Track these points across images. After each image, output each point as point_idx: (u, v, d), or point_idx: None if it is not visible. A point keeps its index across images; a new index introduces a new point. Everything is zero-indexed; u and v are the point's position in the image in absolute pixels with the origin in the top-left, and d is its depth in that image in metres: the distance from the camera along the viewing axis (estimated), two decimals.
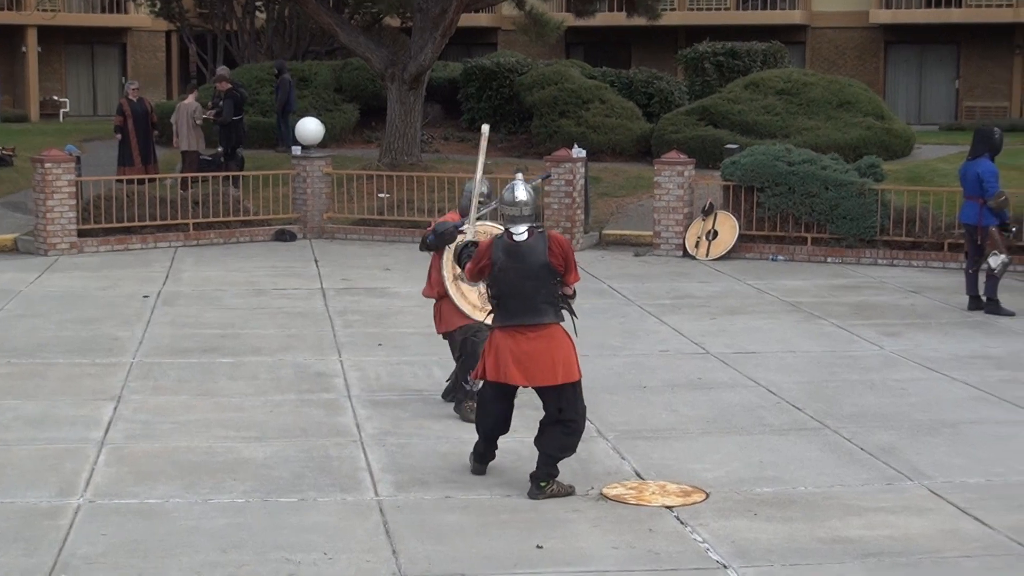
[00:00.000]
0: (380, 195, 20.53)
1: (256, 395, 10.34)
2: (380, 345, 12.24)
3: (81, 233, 18.18)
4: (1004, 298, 14.10)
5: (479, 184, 9.13)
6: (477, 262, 8.11)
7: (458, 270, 8.96)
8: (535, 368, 7.88)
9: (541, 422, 8.03)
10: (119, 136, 22.40)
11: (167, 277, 16.11)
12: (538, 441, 8.01)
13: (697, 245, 18.15)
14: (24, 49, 37.93)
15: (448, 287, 9.50)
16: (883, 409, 10.09)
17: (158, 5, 34.59)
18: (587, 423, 8.24)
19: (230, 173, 20.91)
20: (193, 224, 19.12)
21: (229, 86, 22.96)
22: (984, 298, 14.08)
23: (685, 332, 12.95)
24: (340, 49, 30.40)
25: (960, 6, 36.18)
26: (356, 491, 8.02)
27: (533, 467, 7.95)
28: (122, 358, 11.57)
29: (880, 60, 38.04)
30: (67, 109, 38.55)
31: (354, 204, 20.41)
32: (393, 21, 32.81)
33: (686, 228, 18.34)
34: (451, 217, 9.75)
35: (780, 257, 17.93)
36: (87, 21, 39.49)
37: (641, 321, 13.63)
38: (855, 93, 25.30)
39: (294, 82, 26.30)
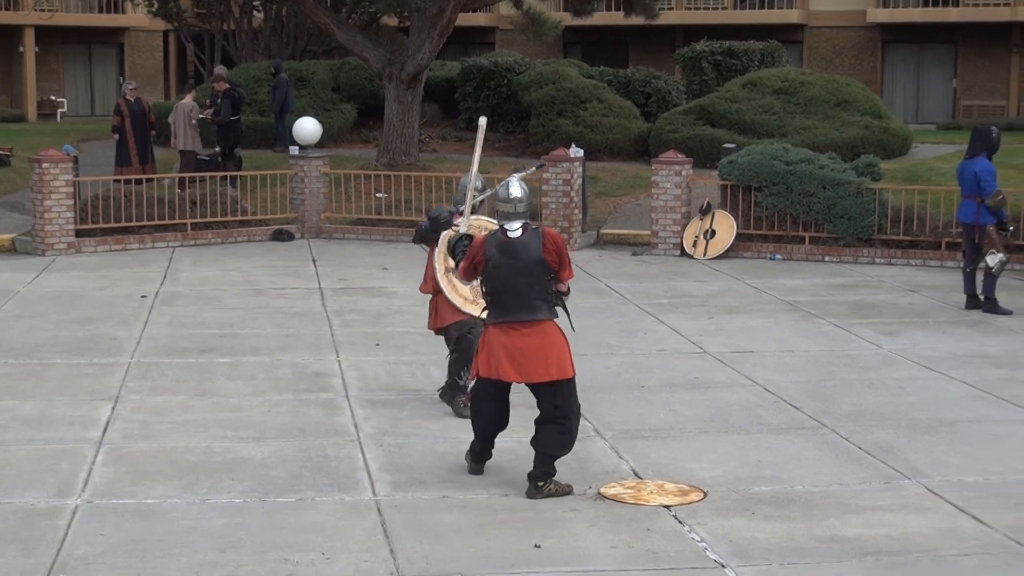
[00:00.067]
0: (378, 195, 20.52)
1: (254, 395, 10.33)
2: (378, 345, 12.23)
3: (79, 233, 18.16)
4: (1002, 297, 14.10)
5: (474, 177, 9.12)
6: (471, 258, 8.09)
7: (450, 262, 8.90)
8: (529, 364, 7.86)
9: (536, 421, 8.02)
10: (117, 136, 22.39)
11: (165, 277, 16.10)
12: (534, 440, 8.00)
13: (695, 244, 18.14)
14: (21, 49, 37.92)
15: (439, 279, 9.47)
16: (881, 408, 10.09)
17: (155, 5, 34.59)
18: (585, 422, 8.24)
19: (228, 173, 20.90)
20: (191, 224, 19.10)
21: (227, 86, 22.95)
22: (982, 297, 14.08)
23: (683, 331, 12.95)
24: (338, 49, 30.38)
25: (957, 5, 36.20)
26: (354, 491, 8.02)
27: (530, 467, 7.95)
28: (120, 358, 11.57)
29: (877, 59, 38.05)
30: (65, 109, 38.53)
31: (352, 204, 20.40)
32: (391, 20, 32.83)
33: (684, 227, 18.34)
34: None
35: (778, 256, 17.93)
36: (84, 21, 39.47)
37: (639, 320, 13.63)
38: (853, 92, 25.28)
39: (291, 81, 26.26)
